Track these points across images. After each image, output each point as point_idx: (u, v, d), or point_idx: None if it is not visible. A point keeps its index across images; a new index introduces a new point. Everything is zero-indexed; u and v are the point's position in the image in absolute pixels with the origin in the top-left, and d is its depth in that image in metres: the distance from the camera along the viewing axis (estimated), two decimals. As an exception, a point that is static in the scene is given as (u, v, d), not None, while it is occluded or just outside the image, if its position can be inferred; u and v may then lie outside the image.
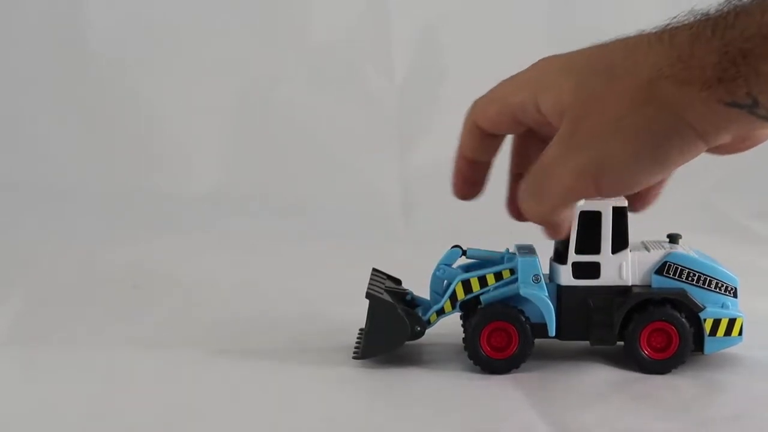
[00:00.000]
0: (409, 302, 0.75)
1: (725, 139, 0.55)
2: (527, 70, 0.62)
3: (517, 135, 0.67)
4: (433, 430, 0.63)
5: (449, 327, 0.77)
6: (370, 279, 0.75)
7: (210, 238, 1.10)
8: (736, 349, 0.76)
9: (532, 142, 0.65)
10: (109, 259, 1.03)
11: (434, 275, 0.75)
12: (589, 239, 0.70)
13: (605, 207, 0.70)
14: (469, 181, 0.67)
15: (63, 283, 0.95)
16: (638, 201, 0.67)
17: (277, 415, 0.65)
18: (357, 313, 0.77)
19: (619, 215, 0.70)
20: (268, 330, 0.80)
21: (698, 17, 0.54)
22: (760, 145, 0.62)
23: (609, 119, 0.56)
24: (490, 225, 0.75)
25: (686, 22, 0.55)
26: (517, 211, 0.64)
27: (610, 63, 0.57)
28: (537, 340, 0.71)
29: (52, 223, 1.12)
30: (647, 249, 0.72)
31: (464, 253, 0.75)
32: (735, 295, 0.73)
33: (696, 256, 0.72)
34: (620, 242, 0.70)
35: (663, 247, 0.73)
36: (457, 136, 0.65)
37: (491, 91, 0.64)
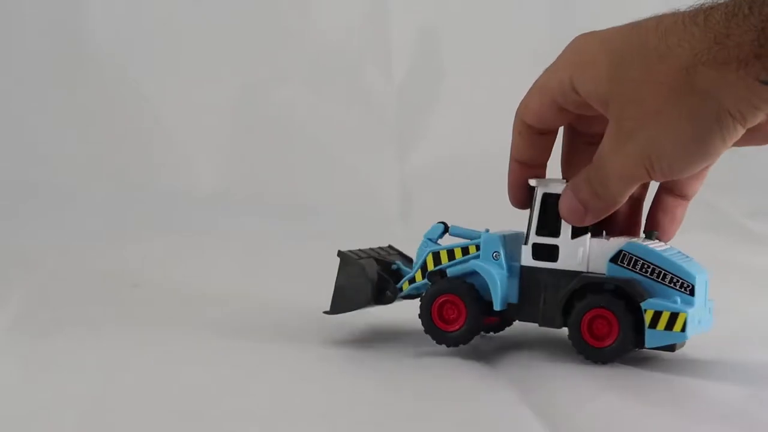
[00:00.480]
0: (395, 271, 0.76)
1: (760, 118, 0.56)
2: (564, 51, 0.63)
3: (565, 142, 0.70)
4: (426, 428, 0.63)
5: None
6: (374, 248, 0.77)
7: (210, 238, 1.10)
8: (732, 346, 0.76)
9: (578, 147, 0.69)
10: (109, 258, 1.03)
11: (419, 248, 0.75)
12: (550, 221, 0.69)
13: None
14: (526, 187, 0.70)
15: (63, 282, 0.95)
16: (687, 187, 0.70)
17: (277, 414, 0.65)
18: (356, 312, 0.78)
19: None
20: (268, 330, 0.80)
21: None
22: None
23: (650, 110, 0.58)
24: (489, 225, 0.75)
25: (720, 0, 0.55)
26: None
27: (645, 44, 0.57)
28: (536, 338, 0.71)
29: (52, 223, 1.12)
30: (608, 238, 0.71)
31: (447, 229, 0.75)
32: (692, 293, 0.70)
33: (657, 249, 0.70)
34: (581, 228, 0.69)
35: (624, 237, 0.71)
36: (507, 141, 0.68)
37: (533, 84, 0.65)
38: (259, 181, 1.25)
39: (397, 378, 0.70)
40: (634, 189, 0.64)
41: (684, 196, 0.71)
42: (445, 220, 0.75)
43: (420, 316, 0.72)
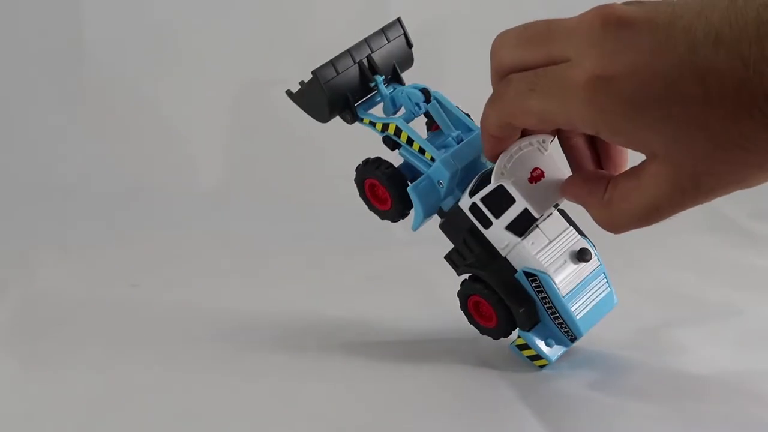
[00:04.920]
0: (371, 88, 0.75)
1: None
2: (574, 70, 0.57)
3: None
4: (427, 428, 0.63)
5: (444, 328, 0.77)
6: (369, 37, 0.76)
7: (210, 238, 1.10)
8: (732, 349, 0.76)
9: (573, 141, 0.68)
10: (109, 258, 1.03)
11: (400, 90, 0.74)
12: (496, 204, 0.68)
13: (520, 202, 0.67)
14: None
15: (63, 282, 0.95)
16: (611, 166, 0.67)
17: (276, 414, 0.65)
18: (356, 313, 0.78)
19: (526, 217, 0.68)
20: (268, 329, 0.80)
21: None
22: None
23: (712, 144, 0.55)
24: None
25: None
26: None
27: (696, 55, 0.53)
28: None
29: (52, 223, 1.12)
30: (542, 248, 0.70)
31: (428, 100, 0.74)
32: (572, 342, 0.71)
33: (563, 293, 0.69)
34: (516, 229, 0.69)
35: (556, 260, 0.70)
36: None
37: (524, 98, 0.61)
38: (259, 181, 1.25)
39: (397, 379, 0.70)
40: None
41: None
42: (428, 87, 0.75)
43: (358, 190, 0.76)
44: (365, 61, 0.74)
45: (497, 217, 0.69)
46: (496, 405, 0.66)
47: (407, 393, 0.68)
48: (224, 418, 0.64)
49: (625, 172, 0.62)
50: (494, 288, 0.71)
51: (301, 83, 0.74)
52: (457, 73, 1.31)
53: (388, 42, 0.76)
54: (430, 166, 0.71)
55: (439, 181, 0.71)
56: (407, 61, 0.77)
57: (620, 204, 0.61)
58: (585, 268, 0.71)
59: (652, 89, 0.54)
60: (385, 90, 0.74)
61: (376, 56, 0.75)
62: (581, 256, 0.71)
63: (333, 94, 0.73)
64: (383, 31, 0.76)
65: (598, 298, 0.72)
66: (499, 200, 0.68)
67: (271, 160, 1.28)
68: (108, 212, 1.16)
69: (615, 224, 0.62)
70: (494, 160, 0.67)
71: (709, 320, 0.83)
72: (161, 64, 1.30)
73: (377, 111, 0.75)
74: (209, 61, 1.31)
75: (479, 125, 0.67)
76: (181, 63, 1.31)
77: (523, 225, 0.68)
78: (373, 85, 0.74)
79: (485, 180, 0.69)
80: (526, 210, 0.67)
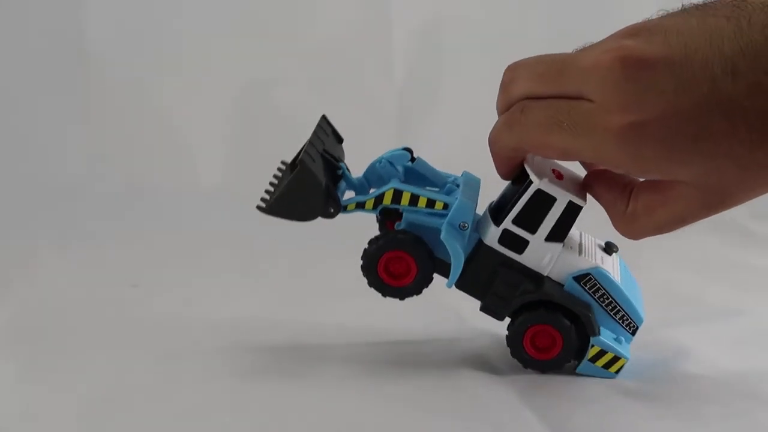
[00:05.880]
0: (338, 176, 0.72)
1: None
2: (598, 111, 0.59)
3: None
4: (427, 429, 0.63)
5: (445, 329, 0.77)
6: (314, 131, 0.72)
7: (210, 238, 1.10)
8: (732, 349, 0.76)
9: None
10: (109, 258, 1.03)
11: (373, 164, 0.72)
12: (531, 217, 0.67)
13: (563, 197, 0.67)
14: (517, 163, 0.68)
15: (63, 282, 0.95)
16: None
17: (276, 415, 0.65)
18: (356, 313, 0.78)
19: (571, 211, 0.67)
20: (267, 329, 0.80)
21: None
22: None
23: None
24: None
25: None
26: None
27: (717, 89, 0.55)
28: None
29: (52, 223, 1.12)
30: (580, 251, 0.70)
31: (413, 159, 0.72)
32: (633, 333, 0.71)
33: (619, 281, 0.70)
34: (557, 235, 0.68)
35: (595, 256, 0.71)
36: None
37: (539, 133, 0.62)
38: (259, 181, 1.25)
39: (398, 380, 0.70)
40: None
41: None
42: (412, 149, 0.72)
43: (363, 261, 0.70)
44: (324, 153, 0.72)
45: (534, 232, 0.68)
46: (497, 406, 0.66)
47: (408, 395, 0.68)
48: (224, 420, 0.65)
49: (648, 184, 0.62)
50: (559, 302, 0.69)
51: (270, 191, 0.70)
52: (457, 73, 1.31)
53: (328, 136, 0.74)
54: (444, 215, 0.69)
55: (461, 223, 0.68)
56: (342, 155, 0.76)
57: (644, 217, 0.62)
58: (614, 258, 0.72)
59: (682, 131, 0.56)
60: (351, 175, 0.73)
61: (328, 148, 0.72)
62: (609, 248, 0.72)
63: (326, 182, 0.69)
64: (320, 127, 0.73)
65: (634, 283, 0.72)
66: (537, 209, 0.67)
67: (271, 160, 1.28)
68: (108, 212, 1.16)
69: (636, 234, 0.64)
70: (508, 178, 0.68)
71: (709, 320, 0.83)
72: (162, 64, 1.30)
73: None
74: (209, 61, 1.31)
75: (488, 147, 0.67)
76: (182, 63, 1.31)
77: (565, 225, 0.68)
78: (340, 172, 0.72)
79: (501, 208, 0.69)
80: (570, 204, 0.67)
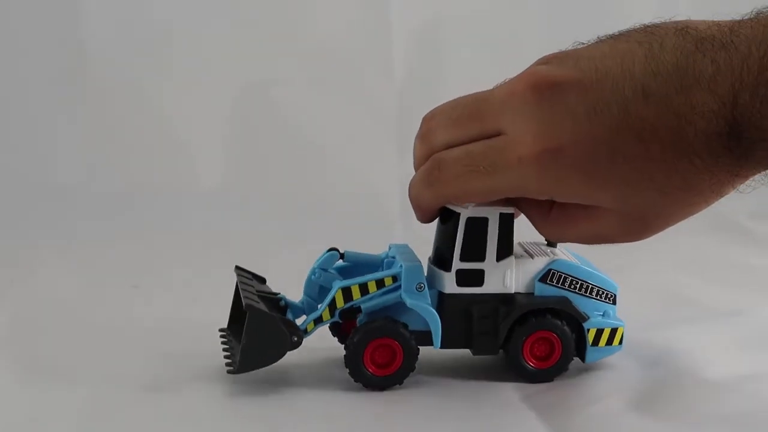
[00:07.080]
0: (283, 308, 0.72)
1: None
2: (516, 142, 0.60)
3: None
4: (428, 429, 0.63)
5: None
6: (238, 283, 0.71)
7: (210, 238, 1.10)
8: (732, 349, 0.76)
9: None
10: (109, 258, 1.03)
11: (309, 279, 0.72)
12: (474, 246, 0.67)
13: (492, 213, 0.67)
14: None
15: (63, 282, 0.95)
16: None
17: (276, 415, 0.65)
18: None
19: (506, 222, 0.67)
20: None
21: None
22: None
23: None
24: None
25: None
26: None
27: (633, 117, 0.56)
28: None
29: (52, 223, 1.12)
30: (530, 255, 0.70)
31: (342, 256, 0.72)
32: (614, 302, 0.71)
33: (577, 263, 0.70)
34: (505, 250, 0.68)
35: (545, 252, 0.71)
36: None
37: (461, 179, 0.63)
38: (259, 181, 1.25)
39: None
40: None
41: None
42: (336, 247, 0.72)
43: (347, 363, 0.67)
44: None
45: (483, 259, 0.68)
46: (500, 409, 0.66)
47: (410, 397, 0.68)
48: (224, 421, 0.64)
49: None
50: (539, 308, 0.68)
51: (230, 356, 0.69)
52: (457, 73, 1.31)
53: (252, 280, 0.73)
54: (399, 287, 0.68)
55: (417, 285, 0.67)
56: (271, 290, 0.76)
57: (567, 225, 0.63)
58: (561, 248, 0.72)
59: (598, 155, 0.56)
60: (292, 300, 0.73)
61: (259, 289, 0.72)
62: (550, 243, 0.72)
63: (278, 316, 0.68)
64: (241, 277, 0.73)
65: (588, 262, 0.72)
66: (476, 236, 0.67)
67: (271, 160, 1.28)
68: (108, 212, 1.16)
69: (559, 239, 0.67)
70: (429, 222, 0.69)
71: (709, 320, 0.83)
72: (161, 65, 1.30)
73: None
74: (209, 61, 1.31)
75: (409, 200, 0.68)
76: (181, 63, 1.31)
77: (507, 237, 0.67)
78: (283, 303, 0.72)
79: (441, 255, 0.69)
80: (501, 216, 0.67)
